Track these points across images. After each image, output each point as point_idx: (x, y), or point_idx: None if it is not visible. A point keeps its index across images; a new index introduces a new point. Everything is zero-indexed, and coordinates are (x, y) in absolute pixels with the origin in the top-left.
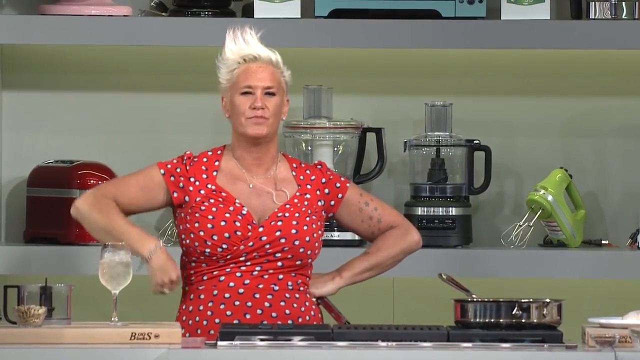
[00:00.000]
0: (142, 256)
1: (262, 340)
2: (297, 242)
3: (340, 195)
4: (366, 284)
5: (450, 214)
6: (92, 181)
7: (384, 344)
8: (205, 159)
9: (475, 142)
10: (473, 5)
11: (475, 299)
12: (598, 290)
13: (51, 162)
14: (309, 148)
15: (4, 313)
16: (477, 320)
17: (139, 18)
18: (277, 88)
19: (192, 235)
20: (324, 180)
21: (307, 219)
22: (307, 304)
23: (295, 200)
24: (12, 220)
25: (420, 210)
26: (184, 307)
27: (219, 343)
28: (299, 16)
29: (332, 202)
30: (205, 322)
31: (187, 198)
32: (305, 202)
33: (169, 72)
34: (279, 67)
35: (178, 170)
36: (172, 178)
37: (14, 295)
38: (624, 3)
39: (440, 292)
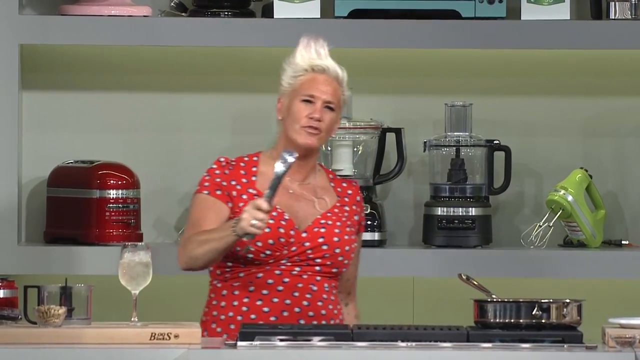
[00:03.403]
0: (233, 234)
1: (281, 340)
2: (337, 250)
3: (363, 224)
4: (386, 284)
5: (470, 214)
6: (111, 181)
7: (403, 344)
8: (242, 164)
9: (495, 142)
10: (493, 5)
11: (494, 299)
12: (618, 290)
13: (71, 162)
14: (329, 148)
15: (24, 313)
16: (497, 320)
17: (159, 18)
18: (337, 105)
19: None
20: (358, 198)
21: (347, 229)
22: (340, 307)
23: (336, 210)
24: (33, 220)
25: (439, 211)
26: (214, 302)
27: (239, 343)
28: (319, 16)
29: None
30: (239, 317)
31: (230, 203)
32: (345, 214)
33: (188, 72)
34: (343, 85)
35: (217, 180)
36: (218, 192)
37: (34, 295)
38: None
39: (460, 292)
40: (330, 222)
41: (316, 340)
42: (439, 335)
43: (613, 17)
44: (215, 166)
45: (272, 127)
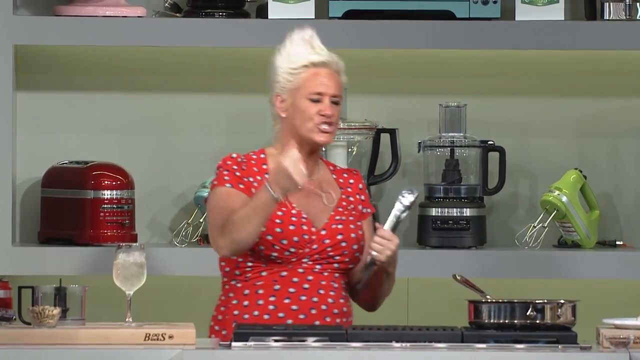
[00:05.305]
0: (271, 197)
1: (276, 341)
2: (355, 246)
3: (367, 211)
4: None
5: (465, 214)
6: (106, 182)
7: (398, 344)
8: (253, 161)
9: (489, 142)
10: (487, 6)
11: (489, 300)
12: (613, 291)
13: (65, 163)
14: (323, 149)
15: (18, 314)
16: (492, 321)
17: (153, 19)
18: (341, 97)
19: (258, 239)
20: (360, 186)
21: (359, 223)
22: (351, 306)
23: (344, 203)
24: (27, 221)
25: (434, 211)
26: (234, 302)
27: (233, 344)
28: (313, 17)
29: (362, 210)
30: (266, 316)
31: None
32: (351, 206)
33: (183, 72)
34: (342, 74)
35: (237, 174)
36: (240, 185)
37: (28, 295)
38: (638, 4)
39: (455, 293)
40: (344, 218)
41: (311, 341)
42: (433, 335)
43: (607, 18)
44: (230, 162)
45: (267, 128)
